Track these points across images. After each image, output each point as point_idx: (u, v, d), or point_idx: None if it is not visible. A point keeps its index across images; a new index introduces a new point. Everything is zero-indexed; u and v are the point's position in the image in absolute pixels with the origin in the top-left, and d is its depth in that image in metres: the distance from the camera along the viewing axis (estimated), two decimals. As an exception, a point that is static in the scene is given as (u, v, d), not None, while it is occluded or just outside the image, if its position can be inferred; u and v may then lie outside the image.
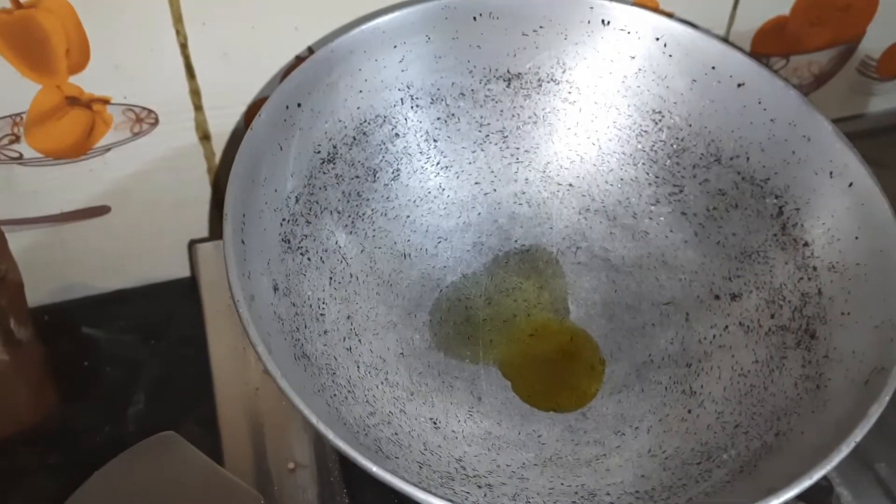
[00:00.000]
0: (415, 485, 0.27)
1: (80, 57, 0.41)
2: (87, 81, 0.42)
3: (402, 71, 0.43)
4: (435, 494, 0.28)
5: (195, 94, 0.45)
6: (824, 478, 0.38)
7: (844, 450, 0.29)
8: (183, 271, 0.52)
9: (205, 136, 0.47)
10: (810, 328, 0.38)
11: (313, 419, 0.29)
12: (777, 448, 0.34)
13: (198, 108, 0.45)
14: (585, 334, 0.44)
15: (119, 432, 0.45)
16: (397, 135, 0.44)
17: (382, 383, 0.38)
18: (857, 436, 0.30)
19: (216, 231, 0.51)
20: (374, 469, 0.27)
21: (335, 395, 0.35)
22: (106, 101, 0.43)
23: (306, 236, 0.40)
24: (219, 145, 0.48)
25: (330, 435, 0.28)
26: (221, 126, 0.47)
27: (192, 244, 0.50)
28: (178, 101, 0.44)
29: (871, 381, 0.32)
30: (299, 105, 0.40)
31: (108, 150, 0.45)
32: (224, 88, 0.45)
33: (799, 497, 0.36)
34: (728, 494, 0.33)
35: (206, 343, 0.46)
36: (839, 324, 0.37)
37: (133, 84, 0.43)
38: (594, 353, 0.43)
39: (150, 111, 0.44)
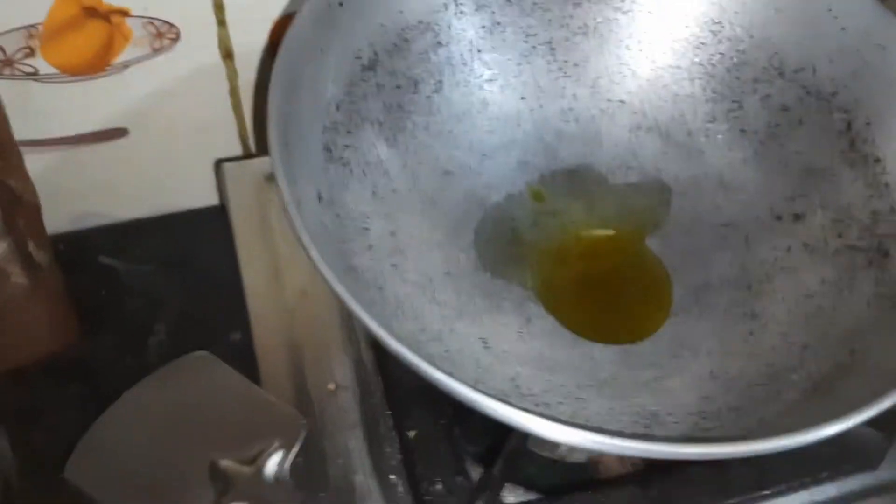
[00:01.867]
0: (483, 392, 0.26)
1: (98, -37, 0.38)
2: (105, -10, 0.39)
3: (447, -28, 0.41)
4: (501, 400, 0.26)
5: (218, 7, 0.43)
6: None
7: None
8: (207, 200, 0.50)
9: (228, 55, 0.45)
10: (882, 247, 0.36)
11: (373, 325, 0.27)
12: (853, 368, 0.32)
13: (221, 22, 0.43)
14: (639, 253, 0.42)
15: (141, 363, 0.43)
16: (440, 43, 0.42)
17: (430, 301, 0.37)
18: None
19: (243, 154, 0.50)
20: (441, 376, 0.26)
21: (384, 309, 0.34)
22: (125, 13, 0.41)
23: (347, 146, 0.38)
24: (242, 65, 0.46)
25: (391, 342, 0.27)
26: (246, 44, 0.45)
27: (219, 163, 0.49)
28: (201, 15, 0.42)
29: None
30: (341, 4, 0.37)
31: (127, 66, 0.43)
32: (249, 2, 0.43)
33: (869, 423, 0.35)
34: (803, 415, 0.31)
35: (236, 267, 0.44)
36: (917, 241, 0.35)
37: (154, -6, 0.40)
38: (655, 270, 0.41)
39: (172, 25, 0.42)
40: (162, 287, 0.46)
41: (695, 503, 0.34)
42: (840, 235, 0.38)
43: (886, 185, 0.37)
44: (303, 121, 0.35)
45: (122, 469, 0.34)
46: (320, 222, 0.33)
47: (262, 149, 0.49)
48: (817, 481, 0.36)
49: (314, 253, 0.28)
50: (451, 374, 0.26)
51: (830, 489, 0.37)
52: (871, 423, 0.35)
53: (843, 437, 0.35)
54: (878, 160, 0.38)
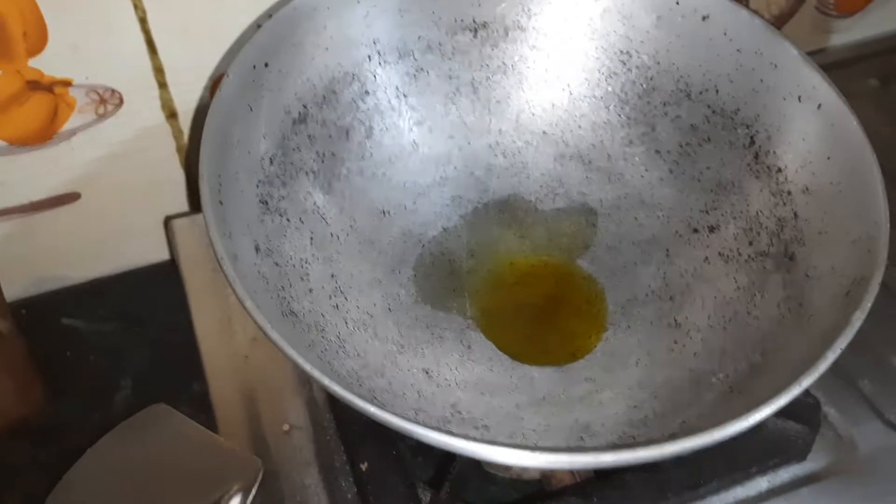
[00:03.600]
0: (415, 421, 0.27)
1: (37, 39, 0.40)
2: (46, 64, 0.41)
3: (367, 27, 0.43)
4: (436, 429, 0.28)
5: (158, 70, 0.44)
6: (812, 396, 0.39)
7: (831, 357, 0.30)
8: (160, 255, 0.51)
9: (171, 115, 0.46)
10: (789, 251, 0.39)
11: (307, 367, 0.29)
12: (765, 367, 0.35)
13: (162, 85, 0.45)
14: (570, 274, 0.44)
15: (108, 420, 0.44)
16: (367, 92, 0.44)
17: (372, 338, 0.38)
18: (842, 343, 0.30)
19: (191, 209, 0.51)
20: (373, 410, 0.27)
21: (326, 349, 0.35)
22: (68, 84, 0.42)
23: (283, 197, 0.40)
24: (186, 123, 0.47)
25: (325, 381, 0.28)
26: (188, 103, 0.46)
27: (168, 220, 0.50)
28: (142, 80, 0.44)
29: (852, 291, 0.33)
30: (266, 65, 0.39)
31: (74, 133, 0.44)
32: (187, 63, 0.44)
33: (788, 416, 0.37)
34: (720, 414, 0.33)
35: (190, 319, 0.45)
36: (817, 244, 0.37)
37: (94, 64, 0.42)
38: (587, 289, 0.43)
39: (114, 91, 0.44)
40: (124, 344, 0.47)
41: (632, 507, 0.36)
42: (751, 243, 0.41)
43: (789, 192, 0.40)
44: (237, 177, 0.37)
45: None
46: (258, 272, 0.35)
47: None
48: (748, 476, 0.38)
49: (248, 304, 0.30)
50: (383, 407, 0.28)
51: (762, 483, 0.39)
52: (795, 417, 0.38)
53: (770, 433, 0.38)
54: (779, 170, 0.41)
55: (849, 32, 0.62)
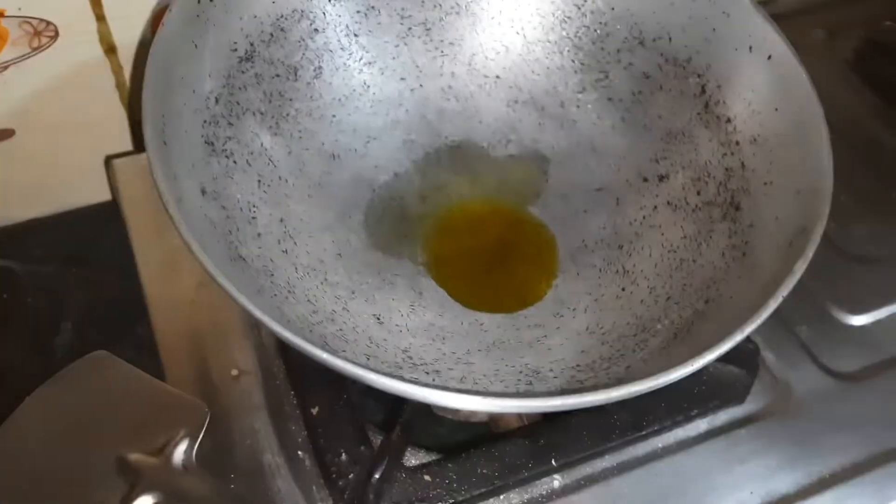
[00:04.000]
0: (366, 367, 0.27)
1: (-34, -37, 0.38)
2: (-23, -8, 0.39)
3: (318, -40, 0.41)
4: (384, 374, 0.28)
5: (95, 2, 0.42)
6: (751, 341, 0.40)
7: (773, 304, 0.31)
8: (102, 195, 0.50)
9: (110, 49, 0.45)
10: (735, 201, 0.39)
11: (257, 312, 0.28)
12: (708, 314, 0.35)
13: (100, 17, 0.43)
14: (521, 221, 0.44)
15: (48, 364, 0.43)
16: (316, 30, 0.43)
17: (322, 283, 0.38)
18: (784, 291, 0.31)
19: (134, 148, 0.49)
20: (324, 356, 0.27)
21: (275, 295, 0.35)
22: None
23: (230, 138, 0.39)
24: (126, 58, 0.45)
25: (276, 327, 0.28)
26: (127, 37, 0.44)
27: (109, 160, 0.48)
28: (78, 11, 0.42)
29: (795, 242, 0.34)
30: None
31: (6, 67, 0.42)
32: (126, -5, 0.42)
33: (728, 360, 0.38)
34: (664, 359, 0.34)
35: (134, 262, 0.44)
36: (762, 194, 0.38)
37: (28, -7, 0.40)
38: (538, 236, 0.43)
39: (49, 23, 0.41)
40: (64, 286, 0.46)
41: (577, 449, 0.37)
42: (699, 193, 0.41)
43: (737, 143, 0.41)
44: (181, 117, 0.36)
45: (28, 475, 0.34)
46: (204, 216, 0.34)
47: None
48: (689, 418, 0.39)
49: (195, 247, 0.29)
50: (335, 353, 0.28)
51: (702, 424, 0.40)
52: (734, 361, 0.39)
53: (710, 377, 0.39)
54: (728, 120, 0.41)
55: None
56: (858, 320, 0.44)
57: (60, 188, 0.49)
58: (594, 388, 0.28)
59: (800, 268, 0.32)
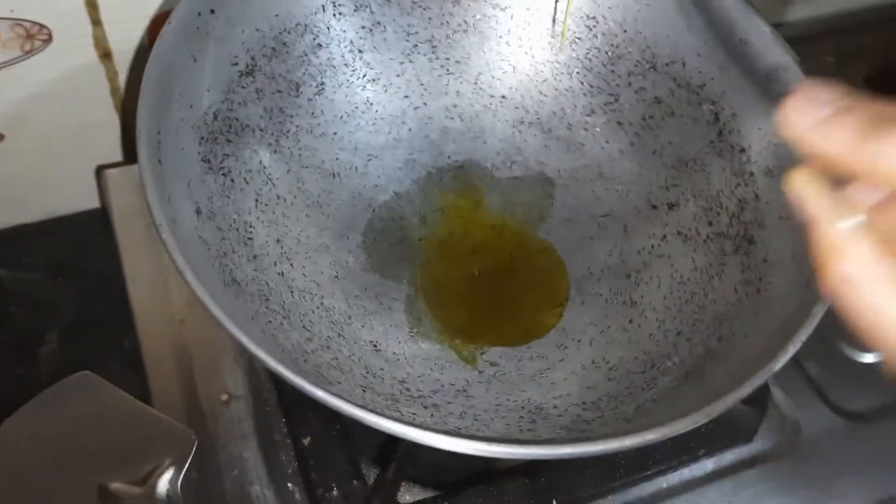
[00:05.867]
0: (361, 406, 0.26)
1: (-42, -37, 0.36)
2: (-32, -8, 0.37)
3: (323, -26, 0.40)
4: (382, 415, 0.26)
5: (91, 6, 0.41)
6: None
7: (791, 349, 0.30)
8: (90, 203, 0.49)
9: (105, 54, 0.43)
10: (748, 233, 0.38)
11: (251, 346, 0.27)
12: (721, 352, 0.34)
13: (95, 22, 0.42)
14: (526, 246, 0.43)
15: (32, 376, 0.42)
16: (320, 45, 0.41)
17: (318, 307, 0.37)
18: (803, 335, 0.30)
19: (125, 158, 0.48)
20: (319, 393, 0.26)
21: (270, 321, 0.33)
22: (-9, 16, 0.39)
23: (228, 155, 0.37)
24: (121, 64, 0.44)
25: (270, 361, 0.27)
26: (123, 43, 0.43)
27: (100, 170, 0.47)
28: (73, 15, 0.41)
29: (812, 281, 0.32)
30: (212, 11, 0.36)
31: (-3, 70, 0.41)
32: (124, 1, 0.41)
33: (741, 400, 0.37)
34: (675, 400, 0.33)
35: (123, 276, 0.43)
36: (778, 228, 0.37)
37: (20, -5, 0.38)
38: (545, 261, 0.42)
39: (42, 26, 0.40)
40: (50, 295, 0.45)
41: (580, 488, 0.36)
42: (711, 223, 0.40)
43: (751, 173, 0.39)
44: (178, 133, 0.35)
45: (5, 501, 0.33)
46: (198, 237, 0.33)
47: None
48: (696, 458, 0.38)
49: (189, 275, 0.28)
50: (330, 389, 0.26)
51: (708, 464, 0.39)
52: (744, 399, 0.38)
53: (719, 415, 0.38)
54: (743, 150, 0.40)
55: (806, 7, 0.61)
56: (869, 358, 0.43)
57: (50, 194, 0.48)
58: (604, 436, 0.27)
59: (819, 311, 0.30)
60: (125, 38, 0.43)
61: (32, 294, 0.45)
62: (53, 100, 0.43)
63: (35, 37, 0.41)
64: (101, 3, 0.41)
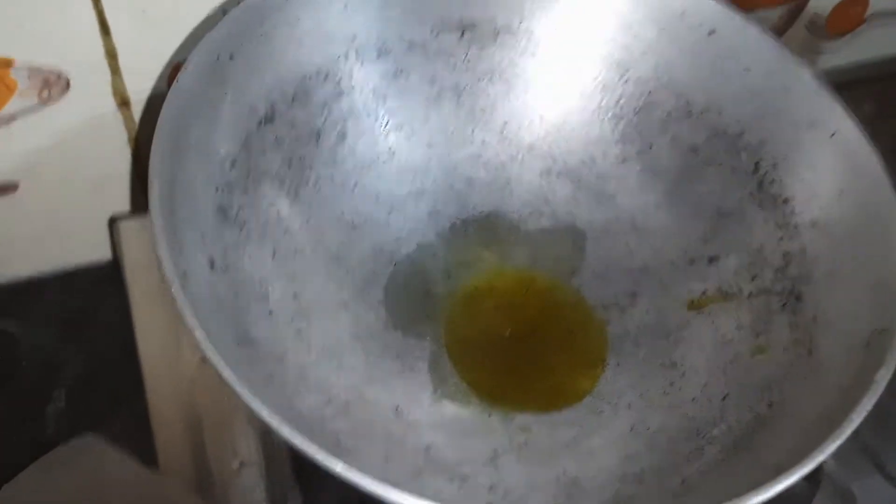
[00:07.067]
0: (385, 482, 0.24)
1: (-25, 12, 0.36)
2: (-15, 41, 0.37)
3: (346, 20, 0.39)
4: (404, 490, 0.24)
5: (111, 55, 0.40)
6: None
7: (856, 419, 0.27)
8: (105, 254, 0.48)
9: (123, 103, 0.42)
10: (795, 290, 0.36)
11: (264, 413, 0.25)
12: (772, 419, 0.32)
13: (114, 70, 0.41)
14: (559, 300, 0.40)
15: (38, 433, 0.41)
16: (342, 92, 0.40)
17: (337, 368, 0.35)
18: (868, 404, 0.27)
19: (139, 207, 0.47)
20: (340, 468, 0.24)
21: (285, 383, 0.31)
22: (8, 63, 0.38)
23: (244, 206, 0.36)
24: (140, 112, 0.43)
25: (285, 431, 0.24)
26: (142, 91, 0.42)
27: (113, 221, 0.46)
28: (92, 63, 0.40)
29: (873, 343, 0.30)
30: (231, 57, 0.35)
31: (14, 119, 0.40)
32: (144, 49, 0.40)
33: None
34: (724, 473, 0.30)
35: (133, 331, 0.41)
36: (827, 284, 0.35)
37: (39, 43, 0.38)
38: (577, 319, 0.40)
39: (60, 74, 0.39)
40: (60, 351, 0.44)
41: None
42: (754, 278, 0.38)
43: (796, 226, 0.37)
44: (192, 183, 0.33)
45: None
46: (212, 292, 0.31)
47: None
48: (743, 534, 0.35)
49: (199, 334, 0.26)
50: (351, 464, 0.24)
51: (756, 541, 0.36)
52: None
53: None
54: (786, 201, 0.38)
55: (837, 54, 0.60)
56: (928, 424, 0.40)
57: (64, 245, 0.47)
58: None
59: (883, 377, 0.28)
60: (145, 86, 0.42)
61: (42, 349, 0.44)
62: (70, 149, 0.42)
63: (53, 85, 0.40)
64: (121, 51, 0.40)
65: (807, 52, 0.59)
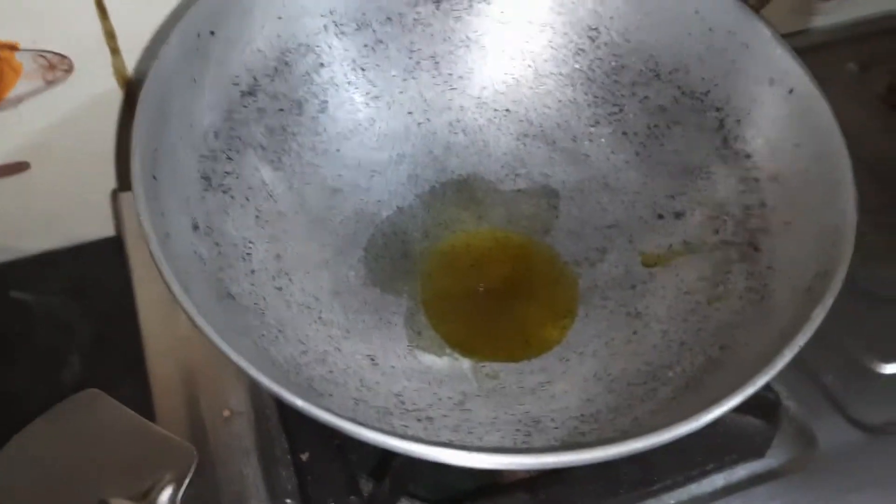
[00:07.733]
0: (345, 418, 0.26)
1: (-20, -2, 0.38)
2: (-10, 26, 0.39)
3: (324, -6, 0.41)
4: (367, 426, 0.26)
5: (110, 35, 0.42)
6: (772, 391, 0.37)
7: (788, 355, 0.29)
8: (112, 229, 0.50)
9: (126, 82, 0.44)
10: (753, 240, 0.37)
11: (233, 355, 0.27)
12: (722, 361, 0.33)
13: (114, 51, 0.43)
14: (530, 257, 0.42)
15: (54, 396, 0.42)
16: (322, 64, 0.42)
17: (316, 321, 0.37)
18: (801, 340, 0.29)
19: (119, 184, 0.49)
20: (300, 403, 0.26)
21: (263, 335, 0.34)
22: (13, 48, 0.40)
23: (228, 173, 0.38)
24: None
25: (252, 371, 0.27)
26: (144, 70, 0.44)
27: (115, 193, 0.48)
28: (93, 45, 0.42)
29: (813, 286, 0.31)
30: (212, 33, 0.37)
31: (21, 101, 0.42)
32: (140, 29, 0.42)
33: (747, 411, 0.36)
34: (674, 410, 0.32)
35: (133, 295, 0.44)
36: (783, 234, 0.36)
37: (42, 27, 0.40)
38: (549, 272, 0.41)
39: (63, 57, 0.41)
40: (72, 318, 0.46)
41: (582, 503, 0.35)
42: (716, 231, 0.39)
43: (756, 179, 0.38)
44: (176, 152, 0.35)
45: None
46: (194, 252, 0.33)
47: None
48: (704, 473, 0.37)
49: (175, 287, 0.28)
50: (314, 401, 0.26)
51: (718, 480, 0.37)
52: (753, 412, 0.37)
53: (728, 429, 0.37)
54: (748, 156, 0.39)
55: (831, 15, 0.60)
56: (889, 368, 0.42)
57: (74, 220, 0.49)
58: (592, 444, 0.26)
59: (818, 315, 0.29)
60: (145, 65, 0.43)
61: (57, 317, 0.46)
62: (76, 128, 0.44)
63: (57, 67, 0.42)
64: (119, 32, 0.42)
65: (798, 13, 0.59)
